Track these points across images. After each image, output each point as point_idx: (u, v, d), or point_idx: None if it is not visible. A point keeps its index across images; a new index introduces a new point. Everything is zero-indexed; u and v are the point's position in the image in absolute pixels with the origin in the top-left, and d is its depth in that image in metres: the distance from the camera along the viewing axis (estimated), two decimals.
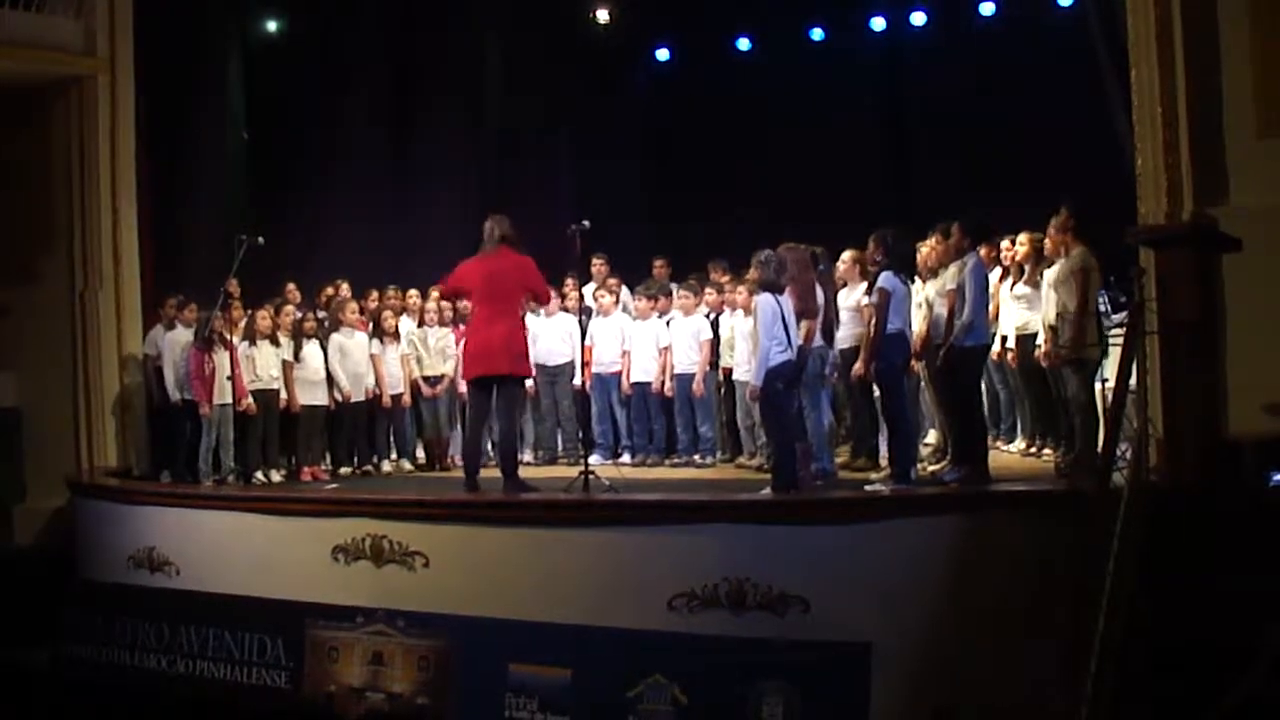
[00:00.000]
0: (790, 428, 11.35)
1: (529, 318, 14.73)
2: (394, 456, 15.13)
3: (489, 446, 13.40)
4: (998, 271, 12.86)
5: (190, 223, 17.10)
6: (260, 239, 13.91)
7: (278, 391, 14.09)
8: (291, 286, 15.35)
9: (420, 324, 15.03)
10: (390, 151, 19.48)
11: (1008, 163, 17.40)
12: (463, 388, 14.03)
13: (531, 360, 14.59)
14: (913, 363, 12.07)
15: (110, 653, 13.17)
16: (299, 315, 14.48)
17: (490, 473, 12.60)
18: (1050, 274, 11.67)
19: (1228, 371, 9.58)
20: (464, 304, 14.18)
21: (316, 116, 18.95)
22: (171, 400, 14.12)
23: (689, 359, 14.01)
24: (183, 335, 14.15)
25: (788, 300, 11.24)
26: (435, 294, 14.81)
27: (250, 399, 13.85)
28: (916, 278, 12.48)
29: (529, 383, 14.72)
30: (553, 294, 14.82)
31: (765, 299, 11.15)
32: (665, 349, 14.21)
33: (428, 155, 19.30)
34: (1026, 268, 12.46)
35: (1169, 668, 8.65)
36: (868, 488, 11.16)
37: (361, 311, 14.88)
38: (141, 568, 13.18)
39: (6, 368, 15.64)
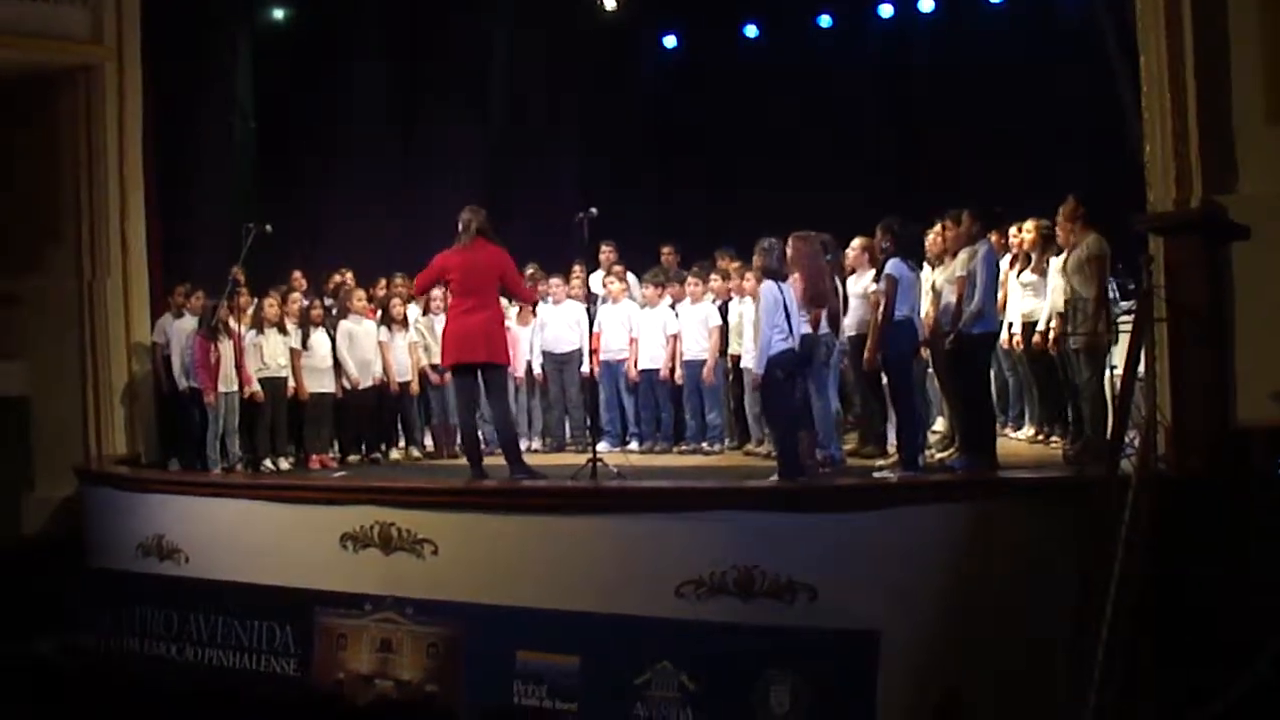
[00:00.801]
0: (792, 415, 11.34)
1: (539, 305, 14.77)
2: (402, 444, 15.16)
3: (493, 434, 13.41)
4: (1007, 259, 12.85)
5: (198, 211, 17.09)
6: (268, 227, 13.90)
7: (285, 379, 14.12)
8: (298, 274, 15.37)
9: (427, 312, 15.01)
10: (397, 139, 19.50)
11: (1016, 150, 17.38)
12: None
13: (539, 348, 14.67)
14: (921, 350, 12.06)
15: (119, 641, 13.20)
16: (306, 303, 14.50)
17: (496, 460, 12.60)
18: (1058, 261, 11.67)
19: (1236, 359, 9.54)
20: None
21: (324, 104, 18.96)
22: (179, 388, 14.15)
23: (699, 346, 14.01)
24: (190, 323, 14.18)
25: (790, 287, 11.23)
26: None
27: (256, 386, 13.87)
28: (925, 264, 12.48)
29: (537, 370, 14.77)
30: (560, 283, 14.83)
31: (768, 286, 11.14)
32: (673, 336, 14.20)
33: (434, 143, 19.30)
34: (1033, 255, 12.45)
35: (1176, 656, 8.65)
36: (876, 475, 11.19)
37: (369, 299, 14.90)
38: (150, 555, 13.21)
39: (15, 357, 15.65)
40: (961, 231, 11.28)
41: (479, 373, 12.34)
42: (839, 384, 12.76)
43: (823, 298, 11.73)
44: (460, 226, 12.27)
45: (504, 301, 13.45)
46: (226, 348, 13.70)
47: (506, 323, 13.22)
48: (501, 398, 12.54)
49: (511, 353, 13.38)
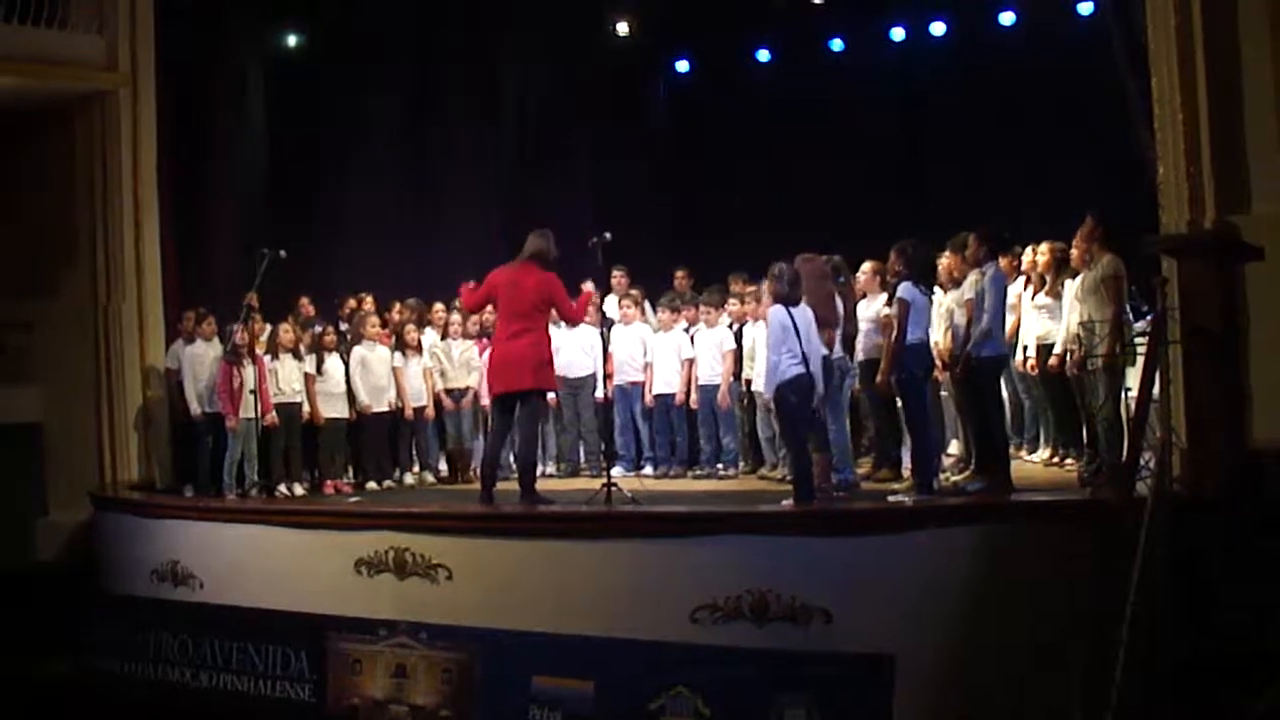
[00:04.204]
0: (809, 439, 11.31)
1: (551, 330, 14.74)
2: (417, 469, 15.14)
3: (511, 459, 13.41)
4: (1020, 282, 12.84)
5: (212, 236, 17.16)
6: (282, 252, 13.90)
7: (300, 405, 14.12)
8: (305, 300, 15.39)
9: (444, 336, 15.02)
10: (411, 163, 19.52)
11: (1028, 172, 17.40)
12: (486, 400, 13.97)
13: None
14: (936, 373, 12.05)
15: (134, 666, 13.18)
16: (317, 329, 14.51)
17: (508, 485, 12.59)
18: (1074, 283, 11.65)
19: (1251, 380, 9.53)
20: (488, 317, 14.14)
21: (338, 128, 19.00)
22: (192, 414, 14.17)
23: (713, 370, 14.00)
24: (202, 349, 14.22)
25: (805, 311, 11.19)
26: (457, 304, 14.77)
27: (274, 412, 13.88)
28: (938, 288, 12.47)
29: (550, 395, 14.73)
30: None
31: (775, 311, 11.11)
32: (687, 361, 14.19)
33: (449, 168, 19.36)
34: (1048, 278, 12.44)
35: (1194, 679, 8.62)
36: (890, 499, 11.15)
37: (385, 324, 14.91)
38: (165, 581, 13.21)
39: (29, 382, 15.72)
40: (969, 254, 11.29)
41: (519, 400, 12.30)
42: (851, 408, 12.74)
43: (830, 320, 11.71)
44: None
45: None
46: (249, 373, 13.71)
47: None
48: (533, 423, 12.50)
49: None
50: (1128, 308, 11.91)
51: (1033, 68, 17.87)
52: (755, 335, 13.43)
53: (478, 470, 14.10)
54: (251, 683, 12.40)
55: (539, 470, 13.88)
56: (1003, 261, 11.78)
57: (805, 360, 10.95)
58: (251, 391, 13.63)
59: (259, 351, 13.91)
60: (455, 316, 14.86)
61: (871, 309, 12.46)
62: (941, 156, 19.41)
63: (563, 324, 14.53)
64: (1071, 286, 11.73)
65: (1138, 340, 10.79)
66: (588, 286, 12.84)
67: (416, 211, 19.32)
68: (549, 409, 14.50)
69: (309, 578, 12.20)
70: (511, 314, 12.18)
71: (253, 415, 13.75)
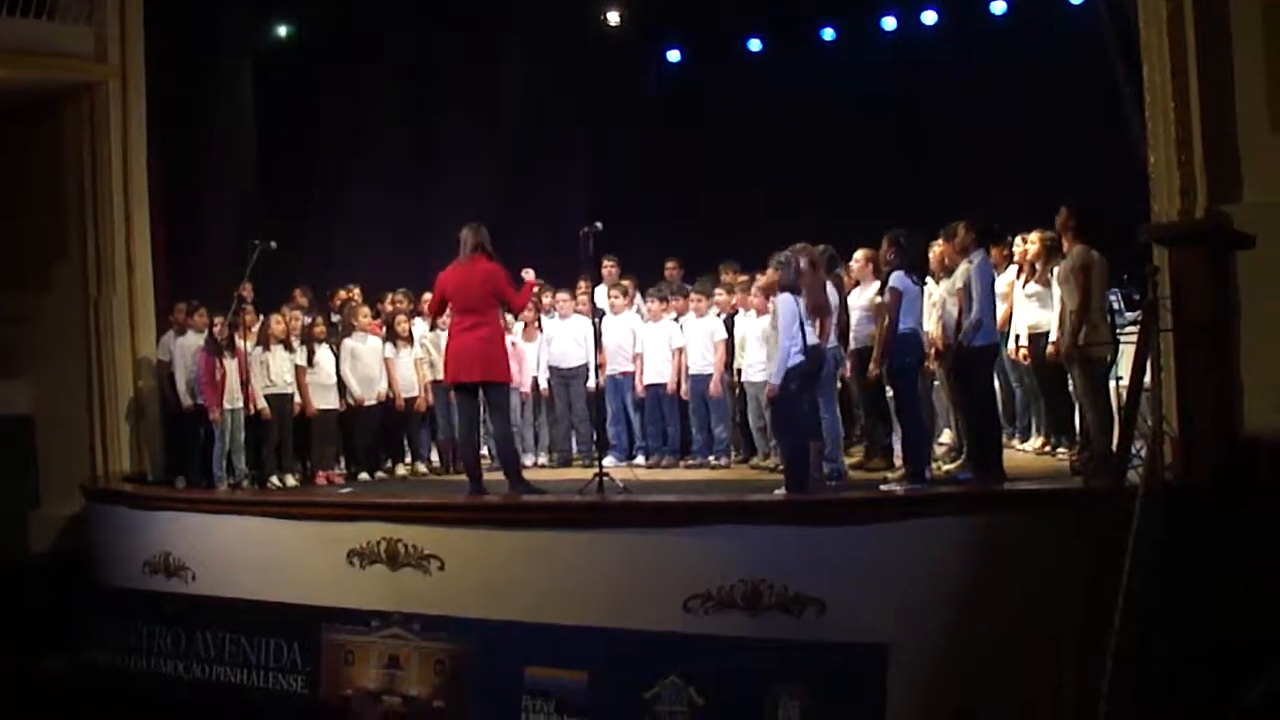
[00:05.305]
0: (803, 428, 11.32)
1: (544, 320, 14.76)
2: (408, 460, 15.13)
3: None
4: (1013, 270, 12.83)
5: (203, 228, 17.12)
6: (273, 243, 13.89)
7: (292, 396, 14.10)
8: (298, 291, 15.36)
9: (433, 327, 14.99)
10: (403, 155, 19.50)
11: (1020, 161, 17.40)
12: None
13: (545, 362, 14.62)
14: (928, 362, 12.04)
15: (126, 658, 13.21)
16: (308, 320, 14.49)
17: (496, 475, 12.58)
18: (1057, 271, 11.67)
19: (1242, 368, 9.54)
20: None
21: (329, 120, 18.98)
22: (184, 406, 14.15)
23: (704, 360, 13.98)
24: (193, 340, 14.18)
25: (802, 300, 11.20)
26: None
27: (263, 403, 13.87)
28: (929, 278, 12.46)
29: (543, 385, 14.74)
30: (566, 298, 14.78)
31: (785, 299, 11.12)
32: (678, 350, 14.18)
33: (441, 158, 19.31)
34: (1038, 266, 12.44)
35: (1185, 666, 8.63)
36: (882, 488, 11.15)
37: (376, 315, 14.89)
38: (157, 573, 13.20)
39: (20, 375, 15.69)
40: (957, 244, 11.28)
41: (480, 390, 12.33)
42: (842, 397, 12.74)
43: (824, 309, 11.70)
44: (460, 244, 12.25)
45: (509, 318, 13.45)
46: (231, 365, 13.70)
47: (511, 339, 13.24)
48: (502, 415, 12.50)
49: (517, 368, 13.42)
50: (1119, 296, 11.94)
51: (1024, 56, 17.86)
52: (745, 325, 13.43)
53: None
54: (244, 674, 12.42)
55: (531, 460, 13.92)
56: (994, 251, 11.77)
57: (806, 349, 11.00)
58: (243, 383, 13.63)
59: (244, 342, 13.88)
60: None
61: (864, 297, 12.45)
62: (933, 145, 19.42)
63: (555, 314, 14.59)
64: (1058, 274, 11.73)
65: (1129, 329, 10.79)
66: (528, 275, 12.83)
67: (408, 202, 19.28)
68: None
69: (301, 569, 12.20)
70: (463, 309, 12.20)
71: (238, 406, 13.78)
